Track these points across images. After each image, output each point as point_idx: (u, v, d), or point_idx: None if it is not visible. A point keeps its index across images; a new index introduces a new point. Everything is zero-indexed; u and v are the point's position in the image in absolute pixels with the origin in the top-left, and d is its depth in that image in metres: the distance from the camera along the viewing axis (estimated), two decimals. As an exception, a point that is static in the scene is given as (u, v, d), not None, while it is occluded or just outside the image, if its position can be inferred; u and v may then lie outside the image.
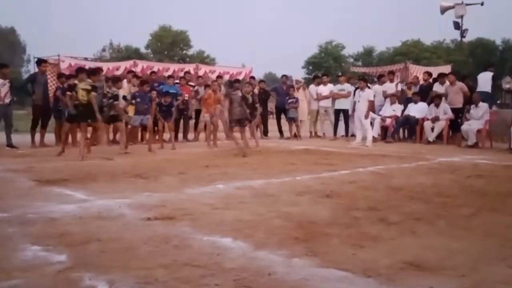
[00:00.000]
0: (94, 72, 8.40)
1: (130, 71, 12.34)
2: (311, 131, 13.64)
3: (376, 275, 2.59)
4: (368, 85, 11.92)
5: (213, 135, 10.74)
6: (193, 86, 12.53)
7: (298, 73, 41.15)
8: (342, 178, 6.03)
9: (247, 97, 9.21)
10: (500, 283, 2.52)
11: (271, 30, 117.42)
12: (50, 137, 10.44)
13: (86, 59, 15.45)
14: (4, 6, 75.32)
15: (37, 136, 10.18)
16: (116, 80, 9.30)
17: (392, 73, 13.77)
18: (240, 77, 15.02)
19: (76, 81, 8.29)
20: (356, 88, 11.82)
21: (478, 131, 10.50)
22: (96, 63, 15.88)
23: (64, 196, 4.76)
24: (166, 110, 10.43)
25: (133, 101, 9.55)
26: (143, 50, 45.15)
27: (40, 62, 10.43)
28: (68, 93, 8.48)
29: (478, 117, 10.63)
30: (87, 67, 12.92)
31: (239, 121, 8.97)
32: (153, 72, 12.99)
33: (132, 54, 38.19)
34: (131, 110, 10.68)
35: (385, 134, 12.21)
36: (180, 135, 11.92)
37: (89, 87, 7.88)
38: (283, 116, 13.29)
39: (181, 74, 13.40)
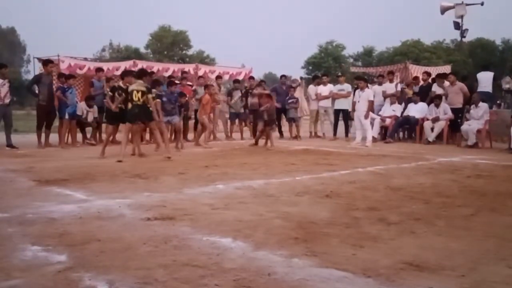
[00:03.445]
0: (144, 74, 8.67)
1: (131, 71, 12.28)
2: (311, 131, 13.64)
3: (376, 275, 2.59)
4: (368, 85, 11.93)
5: (206, 135, 10.78)
6: (191, 86, 12.54)
7: (298, 73, 41.14)
8: (342, 178, 6.03)
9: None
10: (500, 283, 2.52)
11: (271, 30, 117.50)
12: (53, 137, 10.42)
13: (86, 59, 15.46)
14: (4, 6, 75.45)
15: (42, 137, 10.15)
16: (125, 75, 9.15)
17: (391, 73, 13.77)
18: (240, 77, 15.03)
19: (120, 84, 8.53)
20: (356, 88, 11.82)
21: (478, 131, 10.51)
22: (96, 63, 15.90)
23: (64, 196, 4.76)
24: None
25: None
26: (143, 50, 45.05)
27: (46, 62, 10.37)
28: (113, 95, 8.68)
29: (478, 117, 10.63)
30: (87, 67, 13.04)
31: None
32: (171, 77, 12.73)
33: (132, 54, 38.10)
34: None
35: (385, 134, 12.22)
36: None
37: (143, 89, 8.08)
38: (283, 116, 13.29)
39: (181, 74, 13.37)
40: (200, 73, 14.63)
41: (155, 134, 8.46)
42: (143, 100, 8.00)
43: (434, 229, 3.60)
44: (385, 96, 12.51)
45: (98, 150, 9.05)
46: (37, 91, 10.10)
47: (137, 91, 7.99)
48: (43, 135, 10.07)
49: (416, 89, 12.43)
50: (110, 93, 8.96)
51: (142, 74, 8.53)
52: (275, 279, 2.54)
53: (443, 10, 21.61)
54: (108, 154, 8.12)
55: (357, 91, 11.39)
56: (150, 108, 8.13)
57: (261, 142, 10.51)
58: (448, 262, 2.82)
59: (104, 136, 11.27)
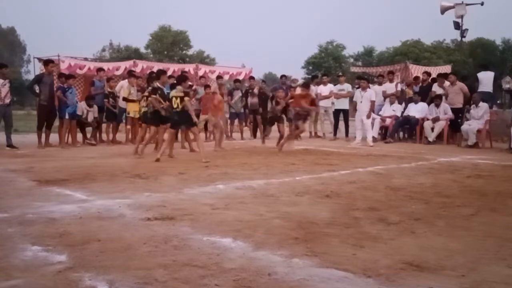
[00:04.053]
0: (184, 79, 8.39)
1: (130, 71, 12.29)
2: (311, 131, 13.64)
3: (376, 275, 2.59)
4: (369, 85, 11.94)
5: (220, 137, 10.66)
6: (191, 86, 12.53)
7: (298, 73, 41.22)
8: (342, 178, 6.03)
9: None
10: (500, 283, 2.52)
11: (271, 30, 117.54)
12: (53, 137, 10.41)
13: (86, 59, 15.46)
14: (4, 6, 75.58)
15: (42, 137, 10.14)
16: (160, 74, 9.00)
17: (391, 73, 13.77)
18: (240, 77, 15.03)
19: (158, 84, 8.49)
20: (357, 88, 11.82)
21: (478, 131, 10.51)
22: (96, 63, 15.90)
23: (64, 196, 4.76)
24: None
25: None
26: (143, 50, 45.10)
27: (47, 62, 10.37)
28: (154, 96, 8.49)
29: (478, 117, 10.63)
30: (87, 67, 13.04)
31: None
32: (171, 77, 12.64)
33: (132, 54, 38.13)
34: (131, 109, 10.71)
35: (385, 134, 12.22)
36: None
37: (182, 94, 7.96)
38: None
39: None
40: (200, 73, 14.62)
41: (196, 138, 8.38)
42: (182, 106, 7.92)
43: (434, 229, 3.60)
44: (385, 96, 12.51)
45: (98, 150, 9.07)
46: (38, 91, 10.11)
47: (176, 98, 7.95)
48: (43, 135, 10.08)
49: (417, 89, 12.43)
50: (153, 95, 8.89)
51: (181, 80, 8.29)
52: (275, 279, 2.54)
53: (443, 10, 21.56)
54: (108, 154, 8.13)
55: (357, 91, 11.39)
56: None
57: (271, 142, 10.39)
58: (448, 262, 2.81)
59: (104, 136, 11.30)
